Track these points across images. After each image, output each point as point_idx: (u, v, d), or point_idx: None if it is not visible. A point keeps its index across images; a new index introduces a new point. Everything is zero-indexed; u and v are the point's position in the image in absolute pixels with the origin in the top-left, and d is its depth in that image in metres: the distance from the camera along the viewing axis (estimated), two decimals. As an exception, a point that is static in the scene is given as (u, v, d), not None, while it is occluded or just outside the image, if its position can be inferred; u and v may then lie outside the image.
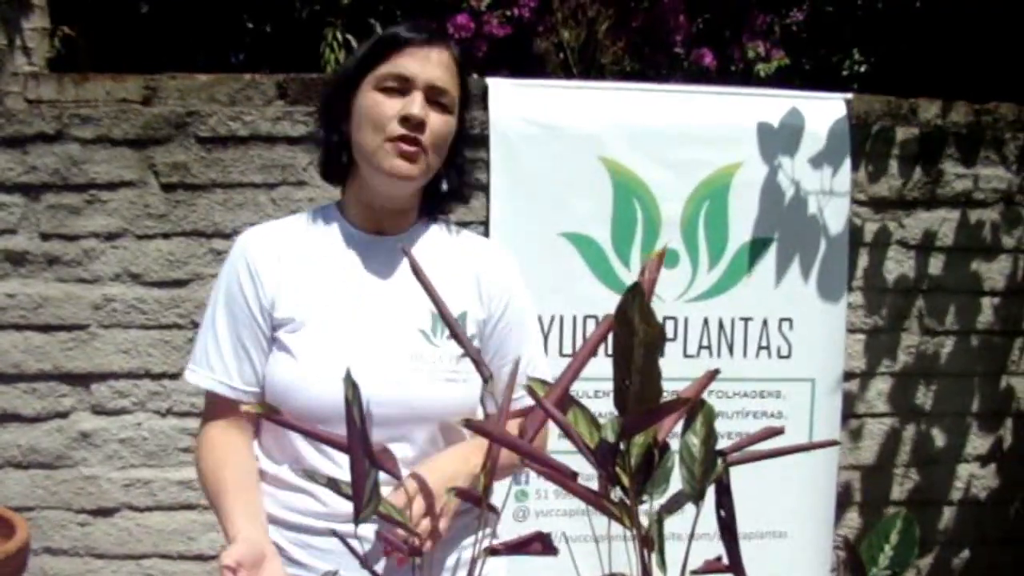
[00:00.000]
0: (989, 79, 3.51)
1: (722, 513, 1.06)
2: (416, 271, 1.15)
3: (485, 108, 2.41)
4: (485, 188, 2.42)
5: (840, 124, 2.52)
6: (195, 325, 2.45)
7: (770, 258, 2.51)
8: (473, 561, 1.08)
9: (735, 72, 3.81)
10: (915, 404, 2.73)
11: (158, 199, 2.42)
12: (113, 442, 2.45)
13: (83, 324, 2.42)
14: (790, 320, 2.53)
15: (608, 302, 2.36)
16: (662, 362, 2.51)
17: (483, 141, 2.42)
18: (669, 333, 2.48)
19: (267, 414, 1.02)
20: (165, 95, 2.43)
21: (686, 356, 2.52)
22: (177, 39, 4.50)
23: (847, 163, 2.52)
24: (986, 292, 2.74)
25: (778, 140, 2.51)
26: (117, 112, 2.41)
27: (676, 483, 1.02)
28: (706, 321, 2.51)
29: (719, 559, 1.05)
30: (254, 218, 2.44)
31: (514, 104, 2.41)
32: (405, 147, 1.26)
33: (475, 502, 1.12)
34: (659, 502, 1.02)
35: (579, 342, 2.39)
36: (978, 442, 2.78)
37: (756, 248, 2.51)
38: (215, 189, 2.43)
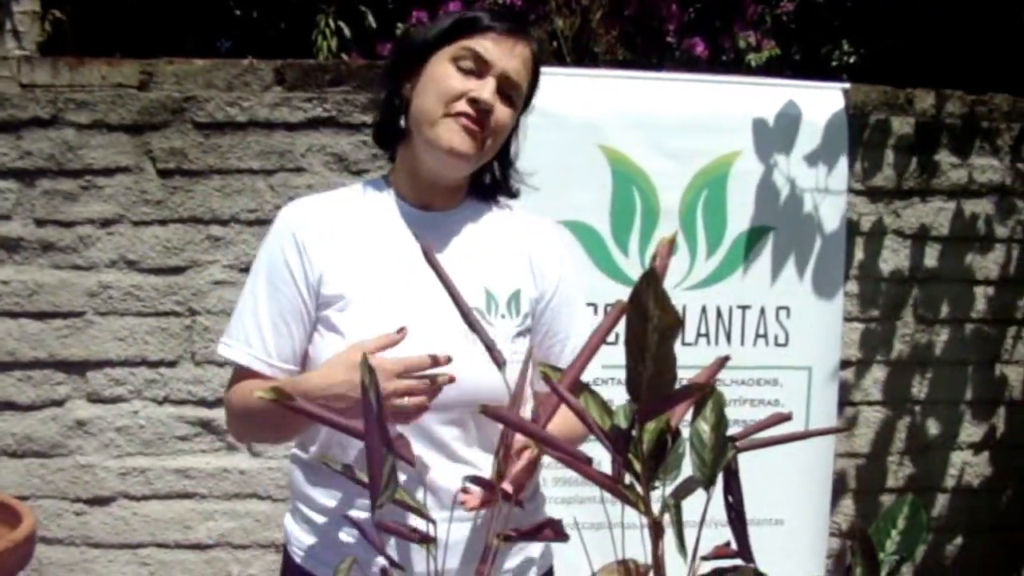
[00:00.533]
0: (982, 70, 3.52)
1: (730, 499, 1.06)
2: (429, 260, 1.13)
3: (484, 95, 2.40)
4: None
5: (838, 114, 2.52)
6: (192, 313, 2.43)
7: (768, 247, 2.52)
8: (486, 548, 1.08)
9: (726, 62, 3.82)
10: (910, 392, 2.75)
11: (155, 185, 2.40)
12: (109, 430, 2.43)
13: (79, 311, 2.41)
14: (787, 308, 2.53)
15: (607, 290, 2.37)
16: (660, 350, 2.40)
17: (482, 128, 2.41)
18: (667, 321, 2.48)
19: (281, 401, 1.02)
20: (161, 80, 2.41)
21: (684, 344, 2.52)
22: (166, 25, 4.47)
23: (844, 153, 2.53)
24: (980, 282, 2.75)
25: (776, 129, 2.51)
26: (113, 97, 2.39)
27: (686, 469, 1.03)
28: (704, 309, 2.51)
29: (728, 545, 1.05)
30: (251, 204, 2.43)
31: (513, 91, 2.40)
32: (464, 125, 1.23)
33: (487, 488, 1.12)
34: (670, 488, 1.03)
35: (578, 330, 2.39)
36: (972, 430, 2.80)
37: (754, 237, 2.51)
38: (212, 175, 2.41)
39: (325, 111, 2.43)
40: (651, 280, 0.89)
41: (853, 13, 4.24)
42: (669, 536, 1.00)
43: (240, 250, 2.43)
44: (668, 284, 2.65)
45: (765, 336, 2.53)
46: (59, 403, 2.43)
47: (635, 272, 2.46)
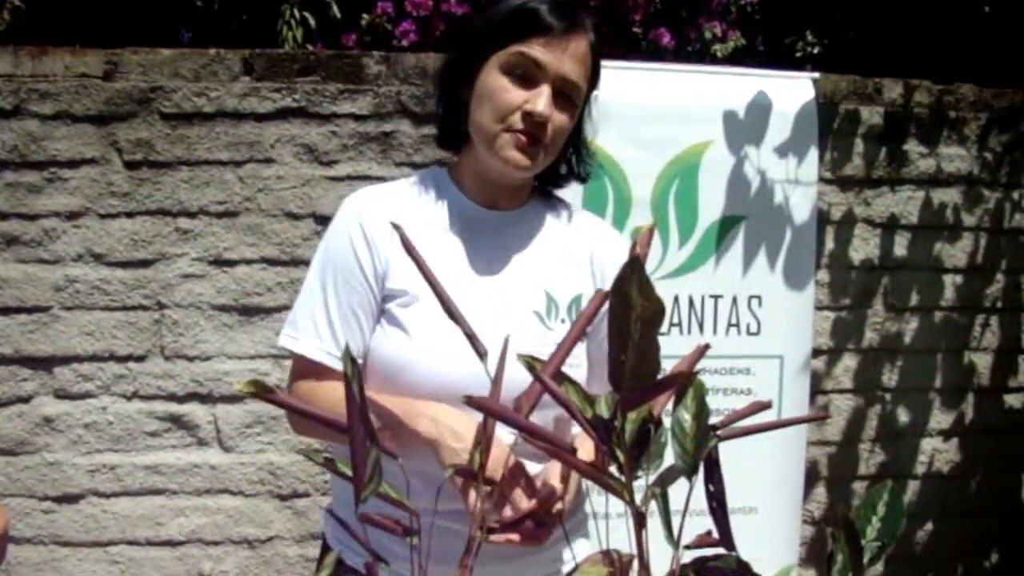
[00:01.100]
0: (948, 60, 3.56)
1: (711, 488, 1.06)
2: (407, 247, 1.12)
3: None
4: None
5: (807, 104, 2.54)
6: (161, 306, 2.39)
7: (740, 236, 2.52)
8: (470, 539, 1.07)
9: (692, 52, 3.83)
10: (880, 380, 2.77)
11: (121, 177, 2.36)
12: (77, 427, 2.39)
13: (45, 306, 2.36)
14: (759, 298, 2.54)
15: (581, 280, 2.36)
16: (634, 340, 2.41)
17: (454, 119, 2.40)
18: (640, 311, 2.48)
19: (260, 394, 1.00)
20: (127, 70, 2.37)
21: (658, 333, 2.53)
22: (128, 15, 4.39)
23: (814, 142, 2.54)
24: (949, 270, 2.78)
25: (747, 119, 2.52)
26: (77, 87, 2.34)
27: (668, 458, 1.02)
28: (676, 299, 2.51)
29: (709, 533, 1.05)
30: (220, 196, 2.39)
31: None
32: (521, 145, 1.21)
33: (469, 476, 1.11)
34: (653, 477, 1.02)
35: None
36: (941, 417, 2.84)
37: (726, 226, 2.52)
38: (180, 167, 2.37)
39: (294, 101, 2.40)
40: (635, 268, 0.88)
41: (816, 4, 4.27)
42: (654, 526, 1.00)
43: (209, 242, 2.39)
44: (642, 274, 2.62)
45: (737, 325, 2.54)
46: (25, 400, 2.38)
47: (608, 262, 2.45)
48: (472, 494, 1.14)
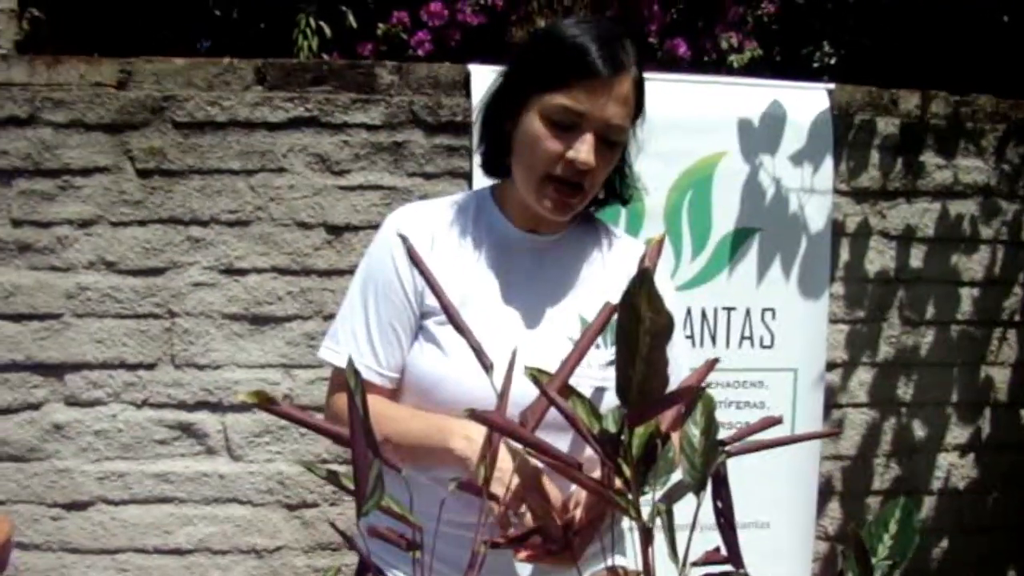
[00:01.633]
0: (965, 70, 3.53)
1: (719, 504, 1.04)
2: (415, 260, 1.12)
3: (467, 95, 2.38)
4: (468, 176, 2.40)
5: (822, 114, 2.52)
6: (171, 314, 2.39)
7: (753, 248, 2.51)
8: (474, 555, 1.06)
9: (708, 63, 3.82)
10: (896, 394, 2.74)
11: (134, 185, 2.36)
12: (87, 434, 2.39)
13: (56, 313, 2.36)
14: (773, 310, 2.52)
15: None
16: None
17: (465, 128, 2.39)
18: (652, 323, 2.46)
19: (262, 405, 0.99)
20: (141, 79, 2.37)
21: (669, 346, 2.51)
22: (145, 25, 4.42)
23: (829, 153, 2.52)
24: (965, 283, 2.75)
25: (761, 130, 2.50)
26: (91, 96, 2.34)
27: (676, 474, 1.01)
28: (689, 311, 2.50)
29: (717, 550, 1.03)
30: (232, 205, 2.39)
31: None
32: (562, 194, 1.21)
33: (476, 492, 1.10)
34: (660, 493, 1.01)
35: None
36: (957, 432, 2.80)
37: (739, 238, 2.50)
38: (192, 175, 2.37)
39: (307, 111, 2.39)
40: (644, 281, 0.87)
41: (833, 14, 4.25)
42: (660, 542, 0.99)
43: (220, 251, 2.39)
44: (654, 285, 2.61)
45: (751, 338, 2.52)
46: (36, 406, 2.38)
47: (620, 274, 2.44)
48: (488, 508, 1.14)
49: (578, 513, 1.16)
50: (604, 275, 1.32)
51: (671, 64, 3.61)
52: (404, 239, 1.16)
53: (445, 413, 1.22)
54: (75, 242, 2.35)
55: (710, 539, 1.01)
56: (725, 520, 1.05)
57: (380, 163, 2.43)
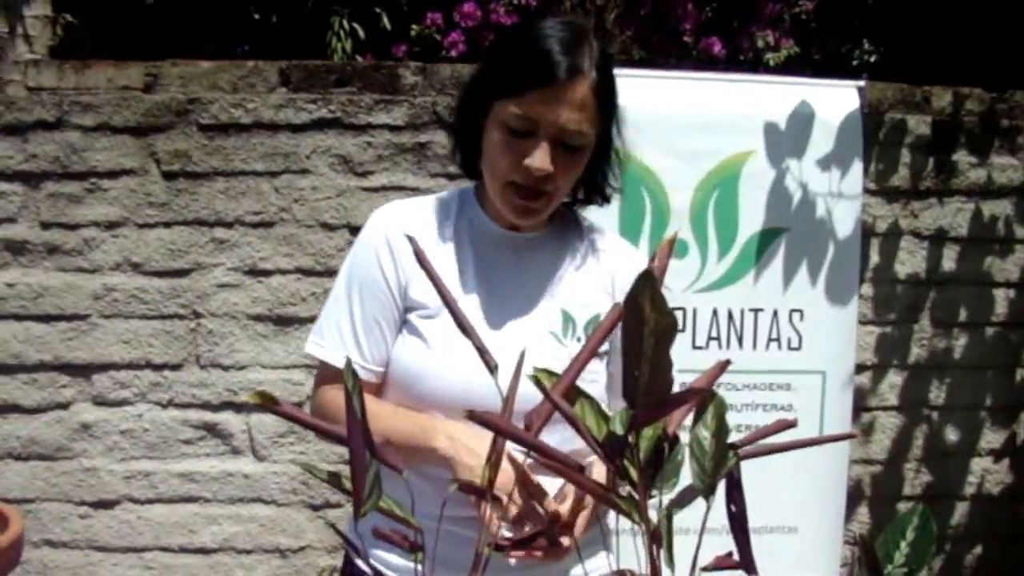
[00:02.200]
0: (1004, 67, 3.46)
1: (733, 508, 1.02)
2: (421, 260, 1.12)
3: (491, 95, 2.38)
4: (491, 177, 2.40)
5: (852, 113, 2.47)
6: (197, 315, 2.42)
7: (781, 248, 2.47)
8: (478, 555, 1.05)
9: (744, 61, 3.78)
10: (927, 398, 2.69)
11: (159, 187, 2.39)
12: (114, 433, 2.42)
13: (83, 314, 2.39)
14: (801, 311, 2.48)
15: (616, 293, 2.33)
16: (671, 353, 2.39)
17: (489, 129, 2.39)
18: (678, 324, 2.44)
19: (266, 405, 0.99)
20: (167, 82, 2.40)
21: (695, 347, 2.48)
22: (182, 29, 4.47)
23: (859, 152, 2.48)
24: (1000, 284, 2.69)
25: (789, 129, 2.46)
26: (118, 99, 2.38)
27: (686, 477, 0.99)
28: (715, 312, 2.46)
29: (730, 555, 1.01)
30: (256, 207, 2.41)
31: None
32: (522, 202, 1.22)
33: (478, 494, 1.09)
34: (668, 497, 0.99)
35: (586, 333, 2.36)
36: (991, 436, 2.74)
37: (767, 238, 2.47)
38: (217, 177, 2.40)
39: (330, 112, 2.40)
40: (648, 281, 0.85)
41: (873, 11, 4.19)
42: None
43: (244, 252, 2.41)
44: (679, 286, 2.62)
45: (778, 340, 2.48)
46: (64, 406, 2.42)
47: (645, 274, 2.42)
48: (484, 508, 1.13)
49: (564, 507, 1.15)
50: (585, 271, 1.32)
51: (706, 63, 3.58)
52: (411, 239, 1.16)
53: (429, 406, 1.23)
54: (102, 244, 2.39)
55: (728, 544, 0.99)
56: (738, 524, 1.03)
57: (403, 164, 2.43)
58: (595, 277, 1.32)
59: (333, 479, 1.04)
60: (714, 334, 2.48)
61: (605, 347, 1.30)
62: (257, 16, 4.69)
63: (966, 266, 2.66)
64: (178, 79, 2.40)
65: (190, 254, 2.40)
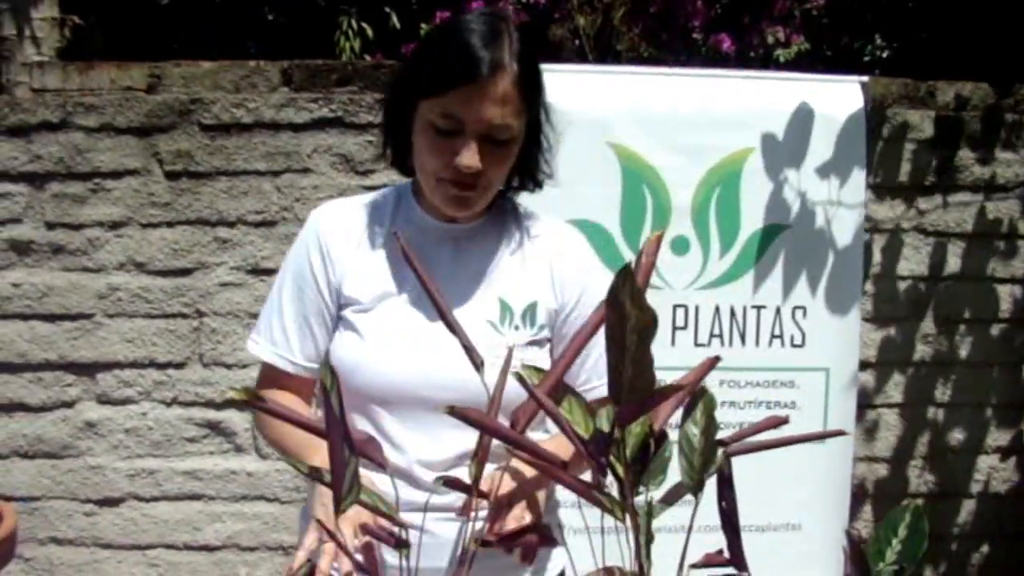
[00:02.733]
0: (1015, 62, 3.43)
1: (723, 505, 1.02)
2: (409, 261, 1.13)
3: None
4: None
5: (856, 109, 2.46)
6: (200, 314, 2.43)
7: (784, 245, 2.46)
8: (463, 552, 1.06)
9: (754, 58, 3.77)
10: (932, 395, 2.67)
11: (162, 187, 2.41)
12: (119, 432, 2.44)
13: (88, 313, 2.41)
14: (804, 308, 2.47)
15: (616, 290, 2.33)
16: (673, 351, 2.47)
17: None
18: (680, 321, 2.44)
19: (251, 400, 1.00)
20: (169, 83, 2.41)
21: (697, 345, 2.47)
22: (192, 30, 4.50)
23: (863, 148, 2.47)
24: (1005, 280, 2.67)
25: (791, 125, 2.45)
26: (121, 100, 2.39)
27: (676, 474, 0.99)
28: (717, 309, 2.46)
29: (720, 552, 1.01)
30: (258, 206, 2.42)
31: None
32: (456, 192, 1.22)
33: (464, 489, 1.09)
34: (656, 493, 0.99)
35: (587, 331, 2.35)
36: (997, 434, 2.72)
37: (769, 235, 2.46)
38: (219, 177, 2.41)
39: (331, 111, 2.41)
40: (627, 278, 0.85)
41: (884, 7, 4.17)
42: (658, 540, 0.97)
43: (247, 251, 2.42)
44: (681, 284, 2.61)
45: (781, 337, 2.48)
46: (69, 404, 2.44)
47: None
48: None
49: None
50: (522, 259, 1.33)
51: (715, 60, 3.57)
52: (398, 235, 1.17)
53: (366, 399, 1.25)
54: (106, 243, 2.40)
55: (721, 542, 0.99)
56: (729, 522, 1.03)
57: (404, 163, 2.44)
58: (533, 265, 1.32)
59: (314, 473, 1.05)
60: (716, 331, 2.47)
61: (546, 333, 1.32)
62: (271, 17, 4.70)
63: (971, 263, 2.64)
64: (180, 79, 2.41)
65: (193, 253, 2.41)
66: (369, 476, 1.17)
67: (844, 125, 2.46)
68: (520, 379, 1.04)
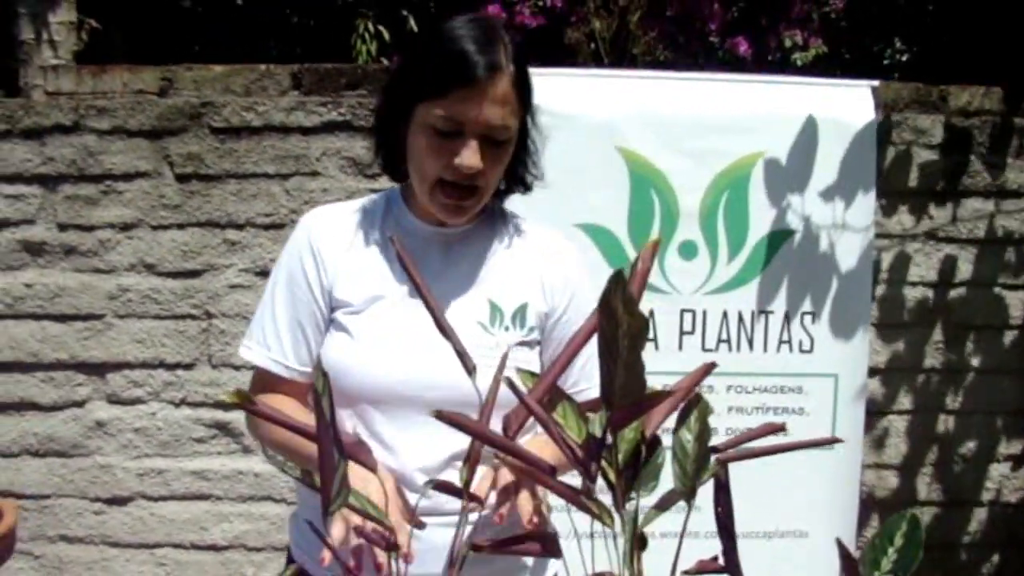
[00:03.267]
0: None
1: (719, 511, 1.02)
2: (405, 265, 1.13)
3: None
4: (499, 179, 2.41)
5: (866, 113, 2.45)
6: (209, 316, 2.45)
7: (792, 250, 2.45)
8: (455, 556, 1.06)
9: (772, 61, 3.76)
10: (943, 402, 2.65)
11: (172, 190, 2.43)
12: (128, 431, 2.46)
13: (99, 314, 2.44)
14: (812, 314, 2.46)
15: (623, 295, 2.32)
16: (681, 356, 2.47)
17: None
18: (687, 326, 2.43)
19: (243, 405, 1.01)
20: (181, 86, 2.44)
21: (704, 350, 2.46)
22: (213, 31, 4.53)
23: (873, 153, 2.45)
24: (1017, 287, 2.65)
25: (801, 129, 2.44)
26: (133, 103, 2.42)
27: (670, 481, 0.99)
28: (725, 314, 2.45)
29: (715, 559, 1.01)
30: (267, 208, 2.43)
31: (529, 93, 2.37)
32: (455, 198, 1.23)
33: (455, 493, 1.10)
34: (650, 499, 0.99)
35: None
36: (1008, 442, 2.69)
37: (778, 239, 2.45)
38: (229, 180, 2.43)
39: (340, 115, 2.43)
40: (619, 283, 0.86)
41: (905, 10, 4.14)
42: (652, 546, 0.97)
43: (256, 254, 2.44)
44: (689, 288, 2.60)
45: (789, 342, 2.46)
46: (80, 404, 2.46)
47: (654, 277, 2.41)
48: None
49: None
50: (512, 262, 1.34)
51: (733, 63, 3.56)
52: (394, 239, 1.18)
53: (357, 400, 1.26)
54: (117, 245, 2.43)
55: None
56: (725, 528, 1.03)
57: (412, 166, 2.45)
58: (523, 268, 1.33)
59: (305, 476, 1.05)
60: (724, 336, 2.46)
61: (536, 335, 1.33)
62: (295, 19, 4.72)
63: (982, 269, 2.62)
64: (192, 83, 2.43)
65: (202, 255, 2.43)
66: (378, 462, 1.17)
67: (854, 130, 2.44)
68: (511, 385, 1.04)
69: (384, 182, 2.44)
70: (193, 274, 2.44)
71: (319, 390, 0.92)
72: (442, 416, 0.93)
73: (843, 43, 4.27)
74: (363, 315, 1.28)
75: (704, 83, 2.49)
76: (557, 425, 1.03)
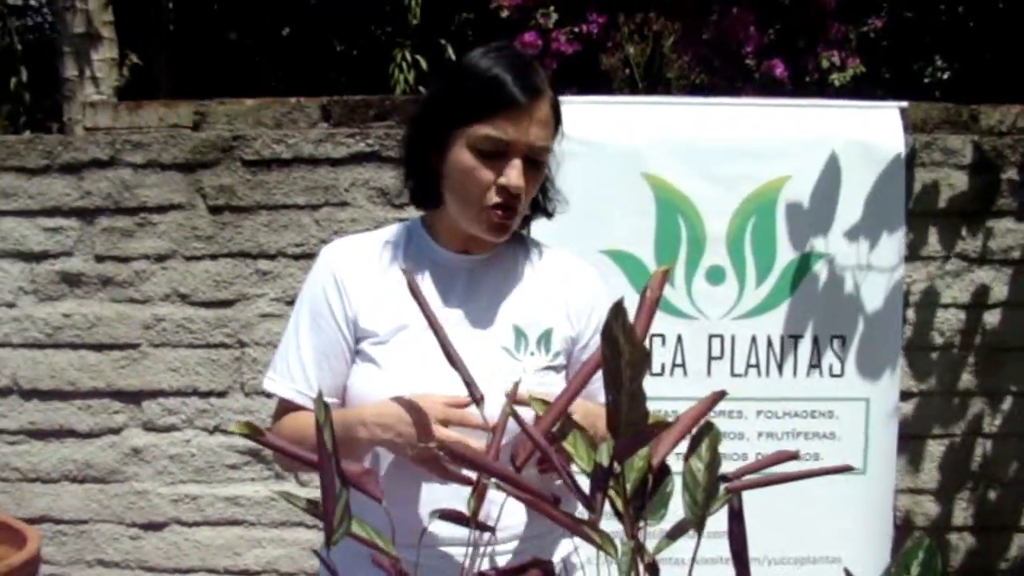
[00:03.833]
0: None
1: (732, 538, 1.02)
2: (416, 296, 1.16)
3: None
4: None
5: (895, 134, 2.43)
6: (241, 344, 2.49)
7: (821, 274, 2.43)
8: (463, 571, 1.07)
9: (809, 83, 3.74)
10: (979, 425, 2.60)
11: (205, 221, 2.48)
12: (163, 458, 2.51)
13: (134, 343, 2.50)
14: (843, 337, 2.44)
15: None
16: (710, 381, 2.47)
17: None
18: (716, 352, 2.42)
19: (252, 435, 1.03)
20: (214, 120, 2.50)
21: (734, 375, 2.45)
22: (252, 62, 4.62)
23: (902, 174, 2.43)
24: (1056, 307, 2.60)
25: (828, 152, 2.43)
26: (167, 137, 2.48)
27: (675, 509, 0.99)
28: (754, 339, 2.43)
29: (727, 586, 1.01)
30: (297, 239, 2.48)
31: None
32: (500, 218, 1.26)
33: (461, 522, 1.11)
34: (661, 527, 0.99)
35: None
36: (1049, 466, 2.64)
37: (806, 264, 2.43)
38: (260, 211, 2.48)
39: (368, 146, 2.47)
40: (619, 313, 0.87)
41: (945, 28, 4.10)
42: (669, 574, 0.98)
43: (287, 283, 2.48)
44: (716, 314, 2.59)
45: (819, 366, 2.44)
46: (116, 431, 2.52)
47: (681, 302, 2.41)
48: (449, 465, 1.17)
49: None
50: (535, 287, 1.35)
51: (769, 86, 3.56)
52: (406, 271, 1.20)
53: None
54: (152, 276, 2.49)
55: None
56: (738, 555, 1.03)
57: (439, 195, 2.48)
58: (547, 294, 1.35)
59: (311, 507, 1.07)
60: (753, 361, 2.44)
61: (561, 360, 1.34)
62: (340, 48, 4.79)
63: (1017, 288, 2.58)
64: (224, 117, 2.50)
65: (235, 285, 2.48)
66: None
67: (883, 151, 2.42)
68: (515, 416, 1.06)
69: (412, 212, 2.48)
70: (226, 304, 2.49)
71: (320, 420, 0.94)
72: (444, 449, 0.95)
73: (882, 62, 4.23)
74: (389, 345, 1.29)
75: (729, 108, 2.49)
76: (561, 454, 1.04)
